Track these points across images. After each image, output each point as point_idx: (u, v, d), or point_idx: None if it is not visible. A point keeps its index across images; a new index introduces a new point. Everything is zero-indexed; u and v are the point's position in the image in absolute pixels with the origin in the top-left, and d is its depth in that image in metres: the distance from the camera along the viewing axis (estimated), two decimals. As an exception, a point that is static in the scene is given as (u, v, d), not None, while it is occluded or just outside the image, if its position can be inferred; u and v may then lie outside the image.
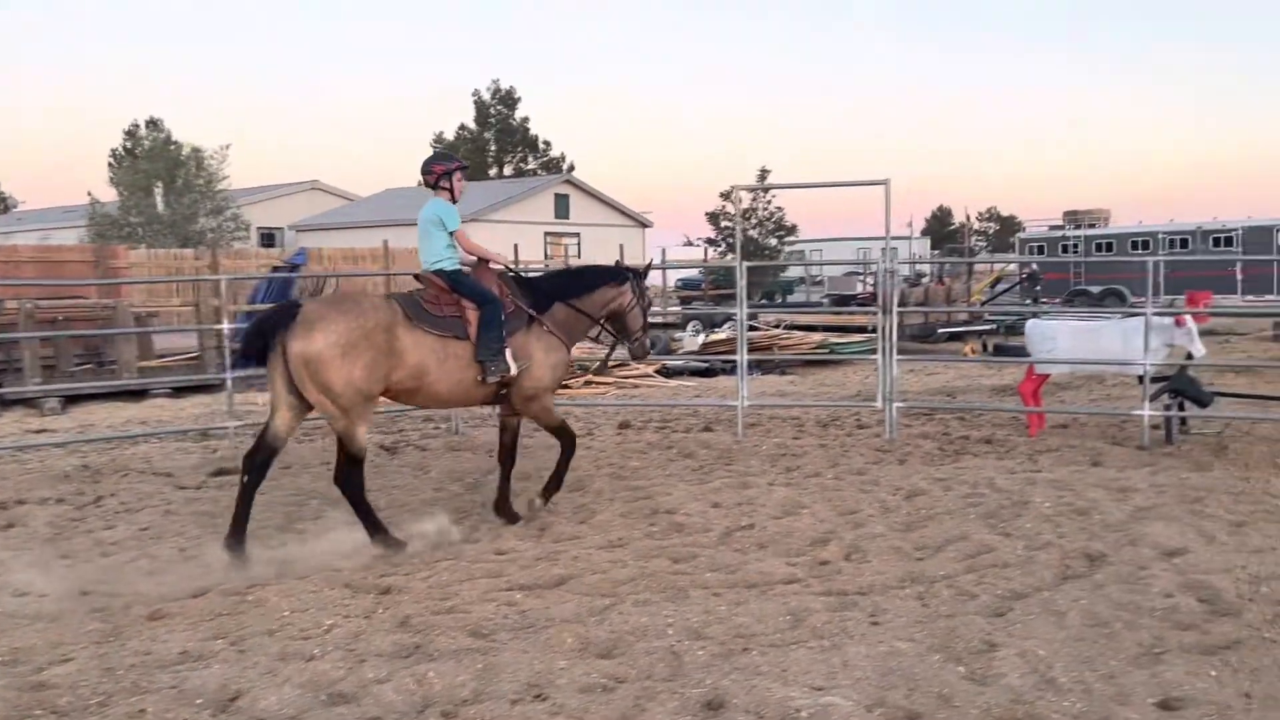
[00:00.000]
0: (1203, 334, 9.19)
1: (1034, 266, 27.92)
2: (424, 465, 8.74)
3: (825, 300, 34.45)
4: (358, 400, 5.86)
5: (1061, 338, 9.37)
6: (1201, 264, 27.80)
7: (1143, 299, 8.96)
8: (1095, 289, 31.05)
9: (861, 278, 30.75)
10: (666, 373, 16.01)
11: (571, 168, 58.87)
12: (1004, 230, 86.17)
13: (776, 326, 20.59)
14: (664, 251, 33.59)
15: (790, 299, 41.44)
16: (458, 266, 6.48)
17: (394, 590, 5.29)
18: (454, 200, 6.57)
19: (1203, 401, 8.83)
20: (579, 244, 43.78)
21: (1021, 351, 14.95)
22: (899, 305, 11.82)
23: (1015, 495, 6.92)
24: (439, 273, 6.40)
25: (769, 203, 46.09)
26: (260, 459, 6.00)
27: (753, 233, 45.02)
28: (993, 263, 29.60)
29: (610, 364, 8.51)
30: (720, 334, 17.97)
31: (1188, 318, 8.89)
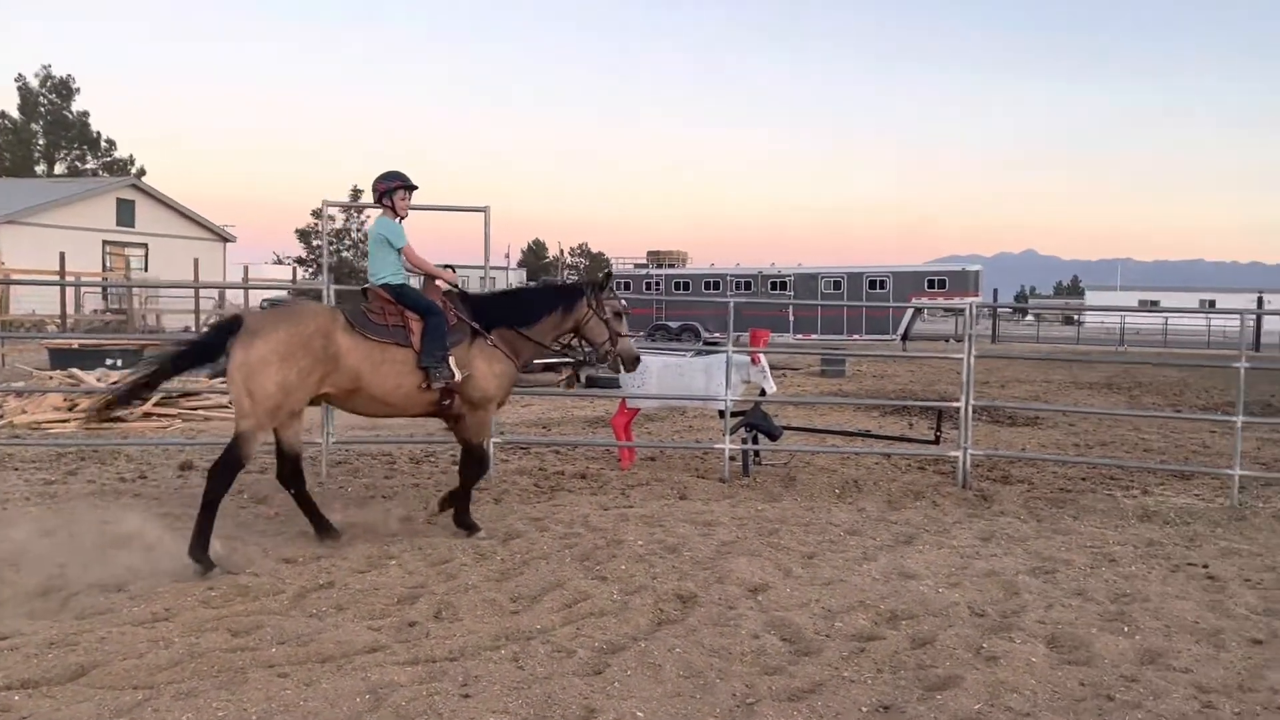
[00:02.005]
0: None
1: (623, 302, 29.32)
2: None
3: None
4: (282, 405, 6.00)
5: (652, 373, 9.60)
6: (763, 305, 30.88)
7: (716, 335, 9.42)
8: (674, 324, 33.41)
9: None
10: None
11: (141, 172, 53.03)
12: (594, 266, 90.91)
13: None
14: (246, 270, 30.99)
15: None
16: (404, 281, 6.68)
17: None
18: (397, 217, 6.75)
19: (774, 435, 9.44)
20: (146, 256, 39.26)
21: (611, 384, 15.38)
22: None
23: (609, 534, 6.81)
24: (385, 286, 6.60)
25: (363, 223, 44.60)
26: (289, 470, 6.41)
27: (347, 254, 43.29)
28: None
29: (583, 376, 8.12)
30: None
31: (762, 356, 9.48)
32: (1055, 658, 4.71)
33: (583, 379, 7.69)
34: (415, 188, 6.81)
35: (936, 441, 9.62)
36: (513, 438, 10.75)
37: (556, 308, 7.01)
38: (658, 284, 39.00)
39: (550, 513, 7.52)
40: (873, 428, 12.83)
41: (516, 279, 55.78)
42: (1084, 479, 9.57)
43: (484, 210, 8.76)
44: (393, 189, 6.71)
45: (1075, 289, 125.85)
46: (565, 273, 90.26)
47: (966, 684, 4.30)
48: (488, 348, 6.72)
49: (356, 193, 41.75)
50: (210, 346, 6.16)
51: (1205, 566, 6.37)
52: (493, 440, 9.01)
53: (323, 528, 6.50)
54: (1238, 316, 9.23)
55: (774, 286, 36.22)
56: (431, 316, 6.50)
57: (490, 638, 4.83)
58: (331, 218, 44.60)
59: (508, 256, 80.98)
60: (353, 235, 44.73)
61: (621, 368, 7.27)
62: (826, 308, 33.76)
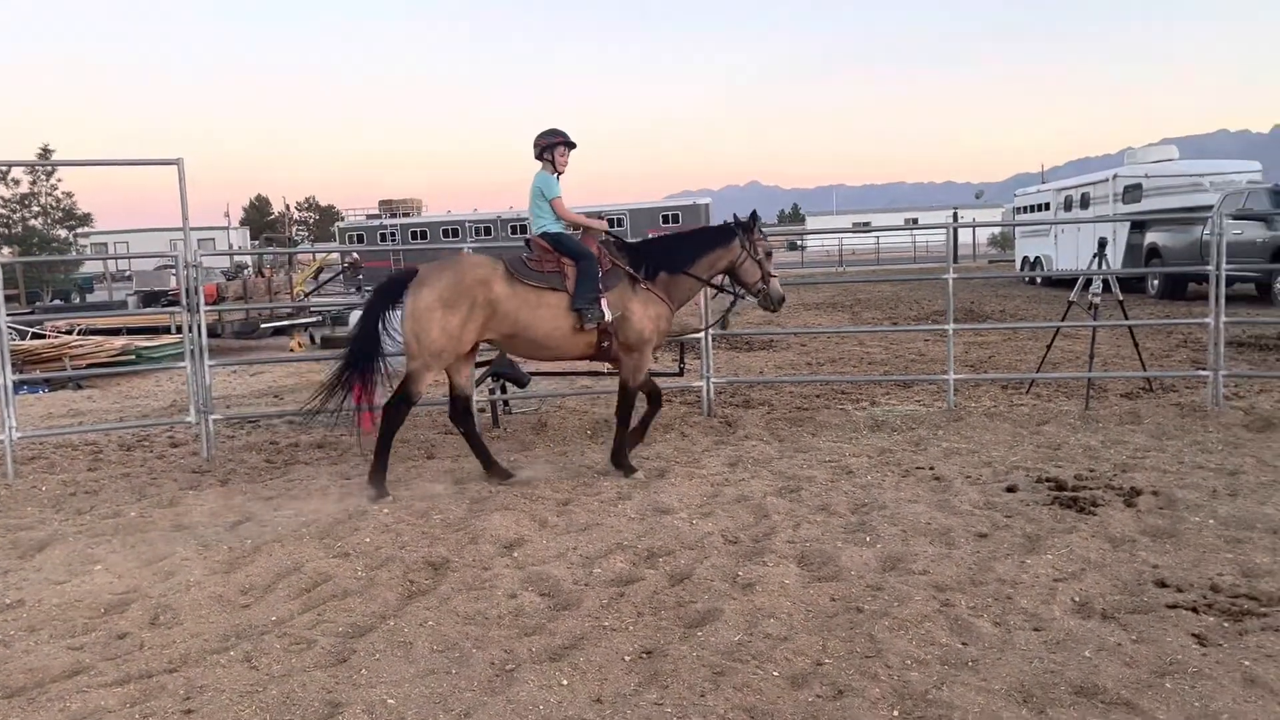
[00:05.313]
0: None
1: (355, 255, 28.00)
2: None
3: (132, 299, 30.98)
4: (447, 348, 6.58)
5: (394, 328, 9.04)
6: (505, 249, 30.45)
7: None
8: (414, 276, 32.33)
9: (174, 272, 28.21)
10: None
11: None
12: (324, 219, 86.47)
13: (68, 332, 17.58)
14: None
15: (91, 299, 36.59)
16: (561, 230, 6.95)
17: None
18: (556, 172, 7.01)
19: (521, 382, 9.20)
20: None
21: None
22: (215, 301, 10.48)
23: (352, 506, 6.36)
24: (544, 235, 6.93)
25: (54, 187, 39.93)
26: (460, 410, 7.01)
27: (35, 222, 38.71)
28: (314, 252, 29.05)
29: (732, 316, 7.73)
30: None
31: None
32: (806, 576, 4.80)
33: (728, 323, 7.93)
34: (574, 145, 7.06)
35: (680, 373, 9.73)
36: (236, 411, 9.90)
37: (713, 249, 7.16)
38: (393, 234, 37.61)
39: (284, 490, 6.95)
40: (620, 365, 12.88)
41: (240, 238, 52.05)
42: (818, 396, 10.03)
43: (177, 163, 7.84)
44: (553, 144, 6.97)
45: (797, 216, 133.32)
46: (293, 229, 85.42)
47: (726, 616, 4.28)
48: (643, 291, 6.93)
49: (46, 151, 37.12)
50: (391, 295, 6.73)
51: (931, 469, 6.78)
52: (211, 417, 8.23)
53: (491, 466, 6.95)
54: (941, 232, 9.90)
55: (514, 230, 35.80)
56: (584, 261, 6.76)
57: (217, 639, 4.33)
58: (16, 181, 39.54)
59: (227, 215, 75.39)
60: (41, 201, 39.84)
61: (771, 306, 7.34)
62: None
